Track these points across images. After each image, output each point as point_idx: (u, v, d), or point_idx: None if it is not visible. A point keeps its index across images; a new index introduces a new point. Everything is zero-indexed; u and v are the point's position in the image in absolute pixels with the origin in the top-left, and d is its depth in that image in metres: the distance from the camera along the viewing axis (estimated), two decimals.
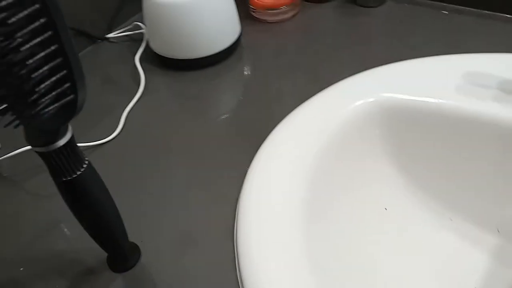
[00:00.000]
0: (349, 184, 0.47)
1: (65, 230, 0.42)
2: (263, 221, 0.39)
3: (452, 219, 0.49)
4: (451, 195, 0.49)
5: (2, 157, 0.49)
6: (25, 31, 0.22)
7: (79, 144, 0.48)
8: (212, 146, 0.49)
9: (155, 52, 0.60)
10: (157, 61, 0.61)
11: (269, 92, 0.55)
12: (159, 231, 0.41)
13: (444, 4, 0.63)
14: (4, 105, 0.26)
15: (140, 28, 0.65)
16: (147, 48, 0.62)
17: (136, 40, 0.65)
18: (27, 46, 0.22)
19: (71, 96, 0.26)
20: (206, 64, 0.59)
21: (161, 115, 0.54)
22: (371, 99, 0.48)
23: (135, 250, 0.39)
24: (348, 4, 0.68)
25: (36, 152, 0.28)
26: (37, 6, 0.21)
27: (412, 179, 0.50)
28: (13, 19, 0.21)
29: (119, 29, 0.68)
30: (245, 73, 0.60)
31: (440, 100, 0.46)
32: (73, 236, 0.42)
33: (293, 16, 0.67)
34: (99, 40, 0.66)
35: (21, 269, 0.40)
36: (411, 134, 0.48)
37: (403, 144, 0.49)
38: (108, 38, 0.67)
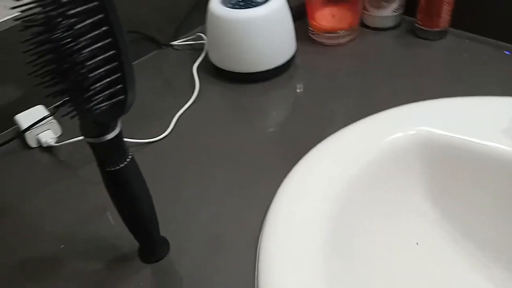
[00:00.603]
0: (380, 213, 0.47)
1: (109, 217, 0.46)
2: (287, 236, 0.40)
3: (487, 264, 0.48)
4: (488, 239, 0.48)
5: (62, 143, 0.54)
6: (88, 36, 0.25)
7: (130, 140, 0.52)
8: (254, 156, 0.51)
9: (212, 63, 0.64)
10: (213, 72, 0.64)
11: (316, 112, 0.56)
12: (190, 230, 0.44)
13: (508, 44, 0.62)
14: (65, 98, 0.29)
15: (202, 39, 0.69)
16: (206, 59, 0.66)
17: (197, 49, 0.69)
18: (89, 49, 0.25)
19: (122, 97, 0.29)
20: (259, 79, 0.62)
21: (210, 122, 0.57)
22: (413, 132, 0.48)
23: (165, 244, 0.42)
24: (408, 35, 0.68)
25: (87, 142, 0.32)
26: (101, 16, 0.25)
27: (447, 216, 0.49)
28: (80, 25, 0.24)
29: (183, 38, 0.72)
30: (296, 90, 0.62)
31: (484, 142, 0.45)
32: (114, 224, 0.45)
33: (351, 41, 0.68)
34: (164, 46, 0.71)
35: (62, 246, 0.44)
36: (450, 171, 0.47)
37: (441, 180, 0.48)
38: (172, 45, 0.71)
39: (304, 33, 0.70)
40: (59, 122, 0.56)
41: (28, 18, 0.26)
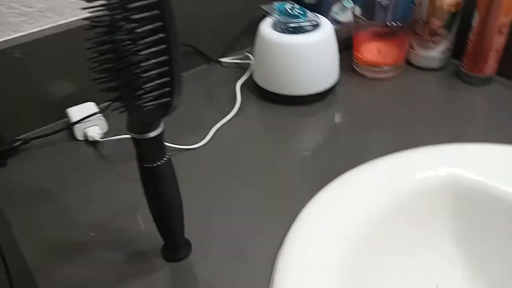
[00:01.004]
0: (401, 250, 0.47)
1: (140, 214, 0.48)
2: (305, 259, 0.41)
3: None
4: None
5: (107, 139, 0.58)
6: (146, 40, 0.28)
7: (169, 144, 0.55)
8: (283, 175, 0.53)
9: (256, 82, 0.66)
10: (256, 91, 0.67)
11: (351, 141, 0.57)
12: (212, 237, 0.45)
13: None
14: (118, 94, 0.32)
15: (249, 59, 0.72)
16: (250, 78, 0.68)
17: (243, 68, 0.72)
18: (145, 52, 0.28)
19: (168, 99, 0.31)
20: (299, 102, 0.64)
21: (245, 138, 0.59)
22: (444, 173, 0.48)
23: (187, 246, 0.43)
24: (452, 78, 0.68)
25: (131, 137, 0.34)
26: (159, 24, 0.27)
27: (470, 260, 0.48)
28: (140, 30, 0.27)
29: (231, 56, 0.75)
30: (334, 118, 0.63)
31: None
32: (144, 221, 0.47)
33: (394, 77, 0.69)
34: (213, 62, 0.75)
35: (92, 234, 0.46)
36: (478, 217, 0.47)
37: (467, 224, 0.47)
38: (220, 62, 0.75)
39: (348, 63, 0.71)
40: (107, 120, 0.60)
41: (95, 19, 0.29)
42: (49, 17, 0.58)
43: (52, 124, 0.62)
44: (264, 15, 0.66)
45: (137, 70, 0.29)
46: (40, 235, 0.47)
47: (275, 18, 0.63)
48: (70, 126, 0.58)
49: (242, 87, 0.68)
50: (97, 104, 0.61)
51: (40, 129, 0.61)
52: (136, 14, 0.27)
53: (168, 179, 0.37)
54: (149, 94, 0.30)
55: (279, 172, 0.53)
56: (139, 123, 0.34)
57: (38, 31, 0.58)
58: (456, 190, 0.47)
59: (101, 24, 0.29)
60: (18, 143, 0.56)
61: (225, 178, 0.53)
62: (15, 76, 0.57)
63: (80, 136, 0.59)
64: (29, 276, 0.43)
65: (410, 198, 0.48)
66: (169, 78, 0.30)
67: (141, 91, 0.30)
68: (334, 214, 0.45)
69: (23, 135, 0.59)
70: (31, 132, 0.60)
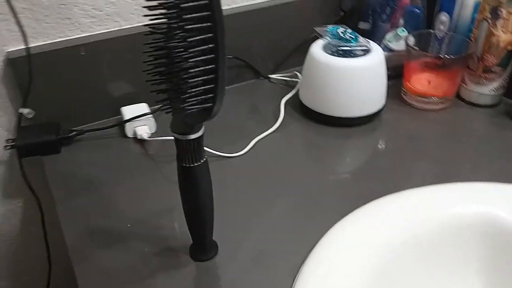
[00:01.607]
0: (426, 281, 0.46)
1: (176, 213, 0.50)
2: (325, 278, 0.41)
3: None
4: None
5: (154, 138, 0.61)
6: (197, 49, 0.30)
7: (210, 150, 0.57)
8: (317, 193, 0.53)
9: (301, 101, 0.68)
10: (300, 108, 0.68)
11: (390, 168, 0.57)
12: (239, 242, 0.47)
13: None
14: (166, 96, 0.35)
15: (297, 77, 0.74)
16: (296, 95, 0.70)
17: (290, 86, 0.74)
18: (194, 59, 0.30)
19: (210, 105, 0.33)
20: (342, 124, 0.64)
21: (284, 152, 0.60)
22: (481, 210, 0.47)
23: (214, 247, 0.45)
24: (503, 116, 0.66)
25: (174, 137, 0.37)
26: (210, 35, 0.30)
27: None
28: (192, 39, 0.29)
29: (280, 73, 0.77)
30: (376, 143, 0.63)
31: None
32: (178, 220, 0.49)
33: (442, 109, 0.69)
34: (262, 77, 0.77)
35: (128, 225, 0.49)
36: (509, 257, 0.45)
37: (498, 264, 0.46)
38: (269, 78, 0.77)
39: (397, 91, 0.71)
40: (156, 121, 0.63)
41: (155, 26, 0.32)
42: (116, 21, 0.63)
43: (106, 120, 0.66)
44: (317, 36, 0.68)
45: (186, 76, 0.31)
46: (82, 221, 0.50)
47: (327, 40, 0.65)
48: (122, 123, 0.62)
49: (287, 103, 0.69)
50: (149, 105, 0.65)
51: (95, 123, 0.65)
52: (190, 24, 0.29)
53: (203, 180, 0.39)
54: (194, 99, 0.33)
55: (313, 190, 0.54)
56: (182, 124, 0.36)
57: (103, 32, 0.63)
58: (491, 229, 0.46)
59: (159, 31, 0.32)
60: (73, 133, 0.61)
61: (259, 188, 0.54)
62: (78, 71, 0.61)
63: (130, 134, 0.62)
64: (67, 258, 0.46)
65: (442, 231, 0.47)
66: (213, 86, 0.32)
67: (187, 95, 0.32)
68: (360, 238, 0.45)
69: (79, 127, 0.63)
70: (86, 125, 0.64)
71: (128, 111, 0.64)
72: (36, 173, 0.63)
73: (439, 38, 0.70)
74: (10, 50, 0.58)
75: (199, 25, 0.30)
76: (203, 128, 0.37)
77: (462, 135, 0.64)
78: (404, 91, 0.71)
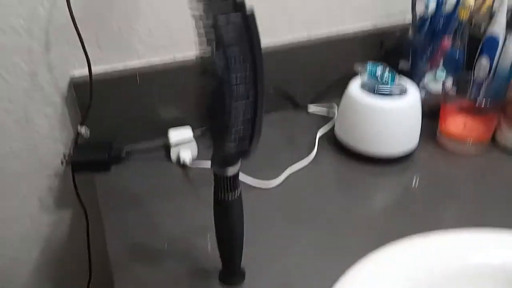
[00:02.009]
0: None
1: (210, 236, 0.54)
2: None
3: None
4: None
5: (196, 162, 0.65)
6: (240, 96, 0.34)
7: (244, 178, 0.61)
8: (346, 228, 0.56)
9: (335, 135, 0.70)
10: (334, 143, 0.71)
11: (418, 209, 0.59)
12: (267, 271, 0.50)
13: None
14: (208, 130, 0.39)
15: (333, 110, 0.77)
16: (331, 129, 0.73)
17: (327, 119, 0.77)
18: (237, 102, 0.34)
19: (247, 146, 0.37)
20: (376, 162, 0.66)
21: (316, 185, 0.63)
22: (500, 261, 0.48)
23: (242, 274, 0.49)
24: None
25: (212, 170, 0.41)
26: (253, 85, 0.33)
27: None
28: (237, 90, 0.33)
29: (319, 104, 0.80)
30: (406, 183, 0.65)
31: None
32: (211, 243, 0.53)
33: (476, 153, 0.69)
34: (300, 108, 0.80)
35: (166, 244, 0.53)
36: None
37: None
38: (307, 108, 0.80)
39: (432, 132, 0.72)
40: (198, 146, 0.68)
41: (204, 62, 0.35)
42: (171, 53, 0.69)
43: (155, 140, 0.71)
44: (356, 73, 0.71)
45: (229, 118, 0.35)
46: (124, 235, 0.55)
47: (365, 78, 0.68)
48: (167, 146, 0.67)
49: (322, 136, 0.72)
50: (194, 129, 0.69)
51: (143, 143, 0.71)
52: (236, 73, 0.33)
53: (235, 213, 0.43)
54: (232, 139, 0.36)
55: (341, 225, 0.56)
56: (221, 160, 0.40)
57: (158, 61, 0.68)
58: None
59: (207, 69, 0.35)
60: (123, 154, 0.66)
61: (290, 220, 0.57)
62: (132, 96, 0.67)
63: (174, 156, 0.67)
64: (107, 270, 0.51)
65: (465, 277, 0.48)
66: (250, 132, 0.36)
67: (226, 135, 0.36)
68: (384, 276, 0.47)
69: (128, 146, 0.69)
70: (135, 144, 0.70)
71: (174, 134, 0.68)
72: (86, 187, 0.69)
73: (478, 81, 0.71)
74: (74, 73, 0.64)
75: (243, 73, 0.34)
76: (239, 165, 0.40)
77: (495, 181, 0.64)
78: (439, 132, 0.72)
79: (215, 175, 0.41)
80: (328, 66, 0.79)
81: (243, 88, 0.34)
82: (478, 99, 0.70)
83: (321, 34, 0.78)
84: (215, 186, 0.42)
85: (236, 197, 0.42)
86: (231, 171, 0.40)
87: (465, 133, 0.69)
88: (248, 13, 0.31)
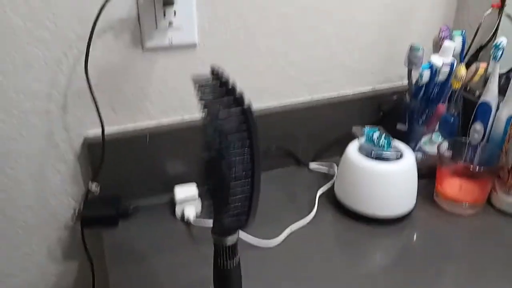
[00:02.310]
0: None
1: None
2: None
3: None
4: None
5: (197, 225, 0.68)
6: (239, 176, 0.37)
7: (244, 236, 0.63)
8: None
9: (335, 194, 0.73)
10: (334, 202, 0.73)
11: (415, 268, 0.61)
12: None
13: None
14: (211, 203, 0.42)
15: (333, 170, 0.80)
16: (331, 188, 0.75)
17: (327, 177, 0.80)
18: (236, 182, 0.37)
19: (244, 219, 0.40)
20: (374, 223, 0.68)
21: (316, 245, 0.65)
22: None
23: None
24: None
25: (212, 238, 0.44)
26: (250, 166, 0.37)
27: None
28: (236, 171, 0.37)
29: (319, 162, 0.83)
30: (404, 243, 0.67)
31: None
32: None
33: (473, 215, 0.71)
34: (301, 165, 0.83)
35: None
36: None
37: None
38: (308, 166, 0.83)
39: (429, 192, 0.74)
40: (202, 202, 0.71)
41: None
42: (179, 113, 0.73)
43: (161, 196, 0.74)
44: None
45: (227, 195, 0.38)
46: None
47: (362, 142, 0.71)
48: (173, 202, 0.71)
49: (322, 195, 0.75)
50: (198, 186, 0.73)
51: (150, 198, 0.74)
52: (235, 157, 0.36)
53: (234, 281, 0.45)
54: (230, 212, 0.39)
55: (342, 284, 0.58)
56: (220, 230, 0.43)
57: (167, 121, 0.73)
58: None
59: (210, 148, 0.39)
60: (131, 209, 0.69)
61: (290, 279, 0.59)
62: (141, 154, 0.71)
63: (178, 213, 0.70)
64: None
65: None
66: (247, 208, 0.39)
67: (225, 208, 0.39)
68: None
69: (136, 202, 0.72)
70: (143, 199, 0.73)
71: (180, 191, 0.72)
72: (93, 240, 0.72)
73: (473, 145, 0.74)
74: (88, 134, 0.69)
75: (242, 157, 0.37)
76: (237, 235, 0.43)
77: (491, 242, 0.66)
78: (436, 193, 0.74)
79: (215, 244, 0.44)
80: (329, 126, 0.83)
81: (241, 169, 0.38)
82: (472, 163, 0.73)
83: (322, 97, 0.82)
84: (215, 253, 0.44)
85: (235, 264, 0.44)
86: (230, 240, 0.43)
87: (461, 195, 0.71)
88: (246, 107, 0.35)
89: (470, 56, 0.79)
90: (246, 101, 0.35)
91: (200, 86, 0.38)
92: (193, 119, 0.74)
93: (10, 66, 0.61)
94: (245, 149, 0.37)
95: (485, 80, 0.76)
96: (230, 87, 0.36)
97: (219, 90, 0.37)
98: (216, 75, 0.40)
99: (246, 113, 0.35)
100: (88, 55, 0.62)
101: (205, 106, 0.36)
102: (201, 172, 0.40)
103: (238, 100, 0.35)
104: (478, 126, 0.75)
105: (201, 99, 0.37)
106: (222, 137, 0.36)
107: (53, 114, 0.66)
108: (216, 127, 0.35)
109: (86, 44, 0.61)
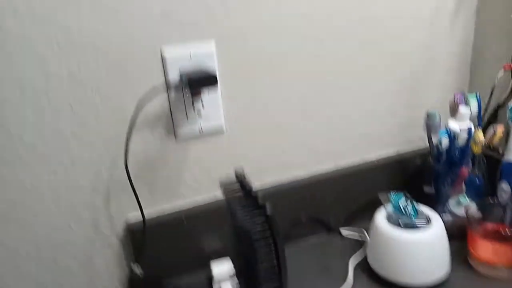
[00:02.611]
0: None
1: None
2: None
3: None
4: None
5: None
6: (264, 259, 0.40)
7: None
8: None
9: (368, 262, 0.74)
10: (368, 270, 0.74)
11: None
12: None
13: None
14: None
15: (364, 235, 0.81)
16: (364, 256, 0.77)
17: (359, 242, 0.81)
18: (262, 265, 0.41)
19: None
20: None
21: None
22: None
23: None
24: None
25: None
26: (273, 250, 0.40)
27: None
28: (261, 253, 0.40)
29: (350, 228, 0.85)
30: None
31: None
32: None
33: (509, 279, 0.70)
34: (332, 231, 0.85)
35: None
36: None
37: None
38: (340, 232, 0.85)
39: (463, 253, 0.74)
40: (238, 280, 0.73)
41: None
42: (212, 192, 0.78)
43: (199, 272, 0.77)
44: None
45: (258, 271, 0.41)
46: None
47: (390, 210, 0.73)
48: (210, 279, 0.73)
49: (355, 263, 0.76)
50: (233, 261, 0.75)
51: (189, 275, 0.77)
52: (261, 251, 0.40)
53: None
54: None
55: None
56: None
57: (201, 200, 0.77)
58: None
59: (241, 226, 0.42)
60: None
61: None
62: (179, 233, 0.75)
63: None
64: None
65: None
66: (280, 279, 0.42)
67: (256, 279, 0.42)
68: None
69: (176, 279, 0.75)
70: (183, 276, 0.76)
71: (216, 268, 0.75)
72: None
73: (502, 205, 0.74)
74: (129, 219, 0.74)
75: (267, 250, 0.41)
76: None
77: None
78: (469, 256, 0.74)
79: None
80: (356, 192, 0.85)
81: (269, 264, 0.41)
82: (504, 223, 0.73)
83: (346, 164, 0.85)
84: None
85: None
86: None
87: (496, 258, 0.71)
88: (269, 213, 0.38)
89: (489, 116, 0.80)
90: (268, 209, 0.39)
91: (226, 190, 0.42)
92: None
93: (61, 166, 0.68)
94: (271, 248, 0.40)
95: (507, 139, 0.78)
96: (253, 194, 0.40)
97: (244, 198, 0.41)
98: (240, 179, 0.44)
99: (270, 218, 0.38)
100: (127, 150, 0.68)
101: (232, 215, 0.40)
102: (235, 257, 0.44)
103: (262, 208, 0.39)
104: (504, 186, 0.75)
105: (228, 204, 0.41)
106: (248, 237, 0.39)
107: (98, 205, 0.72)
108: (243, 234, 0.39)
109: (125, 139, 0.67)
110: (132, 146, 0.70)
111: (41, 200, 0.68)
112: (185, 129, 0.72)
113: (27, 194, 0.67)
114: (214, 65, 0.70)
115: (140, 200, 0.71)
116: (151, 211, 0.75)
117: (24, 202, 0.68)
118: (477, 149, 0.72)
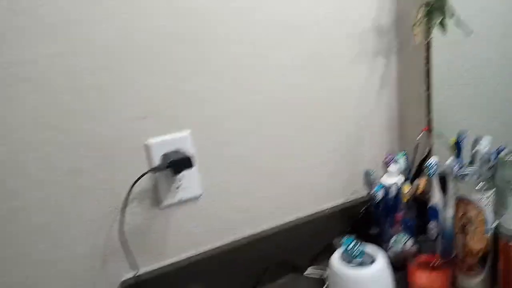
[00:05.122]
0: None
1: None
2: None
3: None
4: None
5: None
6: None
7: None
8: None
9: None
10: None
11: None
12: None
13: None
14: None
15: (326, 272, 0.96)
16: None
17: (324, 281, 0.95)
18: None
19: None
20: None
21: None
22: None
23: None
24: None
25: None
26: None
27: None
28: None
29: (316, 266, 1.00)
30: None
31: None
32: None
33: None
34: (298, 272, 1.00)
35: None
36: None
37: None
38: (303, 272, 0.99)
39: (406, 284, 0.90)
40: None
41: None
42: (194, 248, 0.91)
43: None
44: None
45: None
46: None
47: (342, 251, 0.88)
48: None
49: None
50: None
51: None
52: None
53: None
54: None
55: None
56: None
57: (185, 255, 0.91)
58: None
59: None
60: None
61: None
62: (167, 285, 0.88)
63: None
64: None
65: None
66: None
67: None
68: None
69: None
70: None
71: None
72: None
73: (432, 240, 0.91)
74: (124, 277, 0.86)
75: None
76: None
77: None
78: (409, 284, 0.90)
79: None
80: (316, 237, 1.01)
81: None
82: (433, 256, 0.89)
83: (304, 214, 1.02)
84: None
85: None
86: None
87: (429, 284, 0.87)
88: None
89: (416, 170, 0.98)
90: None
91: None
92: (205, 250, 0.92)
93: (64, 240, 0.80)
94: None
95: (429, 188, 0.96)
96: None
97: None
98: None
99: None
100: (123, 222, 0.81)
101: None
102: None
103: None
104: (432, 225, 0.93)
105: None
106: None
107: (96, 268, 0.84)
108: None
109: (120, 212, 0.81)
110: (123, 218, 0.83)
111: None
112: (167, 199, 0.86)
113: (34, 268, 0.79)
114: (191, 148, 0.86)
115: (136, 262, 0.84)
116: (143, 269, 0.87)
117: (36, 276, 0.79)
118: (405, 199, 0.89)
